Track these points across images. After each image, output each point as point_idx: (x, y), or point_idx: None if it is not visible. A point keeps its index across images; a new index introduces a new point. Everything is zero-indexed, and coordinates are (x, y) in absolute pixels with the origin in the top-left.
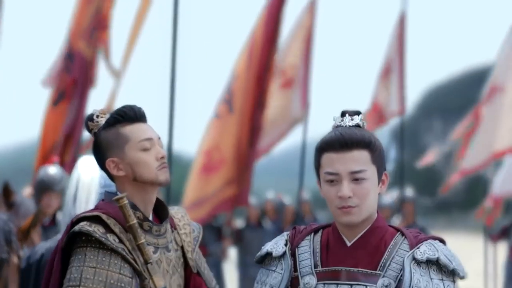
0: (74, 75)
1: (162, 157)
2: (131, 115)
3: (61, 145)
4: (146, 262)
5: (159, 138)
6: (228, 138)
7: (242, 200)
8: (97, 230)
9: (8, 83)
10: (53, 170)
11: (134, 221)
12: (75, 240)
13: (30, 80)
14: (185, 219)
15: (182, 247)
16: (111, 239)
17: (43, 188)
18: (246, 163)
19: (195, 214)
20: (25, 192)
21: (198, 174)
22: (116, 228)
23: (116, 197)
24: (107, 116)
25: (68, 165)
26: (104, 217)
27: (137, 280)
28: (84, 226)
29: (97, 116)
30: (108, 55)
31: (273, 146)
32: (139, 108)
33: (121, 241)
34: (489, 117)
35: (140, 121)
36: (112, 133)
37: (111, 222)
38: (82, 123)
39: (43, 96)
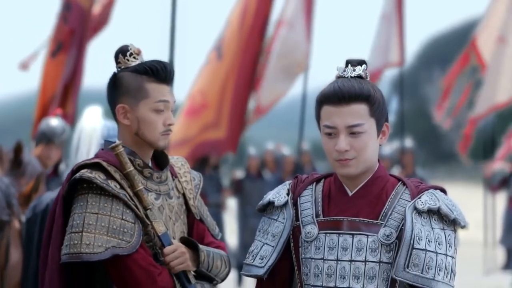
0: (72, 25)
1: (170, 124)
2: (162, 75)
3: (60, 96)
4: (145, 209)
5: (175, 102)
6: (213, 84)
7: (229, 146)
8: (98, 177)
9: (9, 33)
10: (55, 122)
11: (130, 168)
12: (76, 188)
13: (31, 32)
14: (185, 167)
15: (183, 195)
16: (112, 185)
17: (44, 139)
18: (235, 111)
19: (176, 153)
20: (35, 152)
21: (182, 116)
22: (117, 175)
23: (112, 145)
24: (139, 60)
25: (69, 117)
26: (104, 164)
27: (140, 226)
28: (85, 173)
29: (130, 55)
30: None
31: (277, 101)
32: (172, 70)
33: (122, 187)
34: (492, 69)
35: (167, 83)
36: (136, 82)
37: (111, 169)
38: (82, 73)
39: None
